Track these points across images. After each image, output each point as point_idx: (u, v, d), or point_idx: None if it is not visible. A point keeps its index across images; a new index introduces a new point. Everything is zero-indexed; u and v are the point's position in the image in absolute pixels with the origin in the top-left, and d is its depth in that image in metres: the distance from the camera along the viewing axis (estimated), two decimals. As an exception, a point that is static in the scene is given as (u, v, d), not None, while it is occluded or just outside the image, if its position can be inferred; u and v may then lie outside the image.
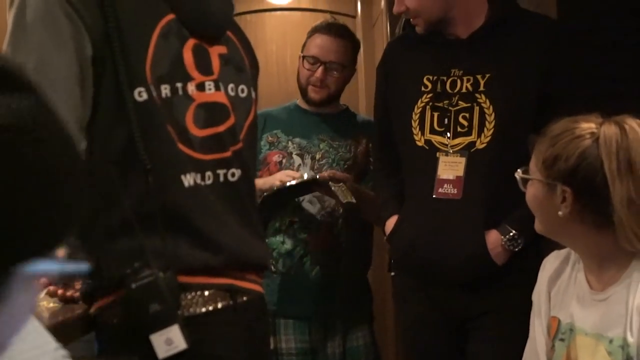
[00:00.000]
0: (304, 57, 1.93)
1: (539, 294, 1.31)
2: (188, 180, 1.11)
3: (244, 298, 1.17)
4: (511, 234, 1.49)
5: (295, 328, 1.88)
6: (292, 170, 1.88)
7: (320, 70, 1.89)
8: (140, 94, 1.08)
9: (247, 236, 1.19)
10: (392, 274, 1.78)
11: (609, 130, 1.10)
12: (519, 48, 1.54)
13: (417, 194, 1.60)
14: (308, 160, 1.92)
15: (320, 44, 1.91)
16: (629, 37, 1.64)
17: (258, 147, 1.87)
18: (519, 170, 1.23)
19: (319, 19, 2.16)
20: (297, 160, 1.92)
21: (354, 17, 3.54)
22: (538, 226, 1.24)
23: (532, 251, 1.51)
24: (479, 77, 1.53)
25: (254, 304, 1.21)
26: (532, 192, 1.21)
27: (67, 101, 1.04)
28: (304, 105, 2.00)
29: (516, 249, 1.50)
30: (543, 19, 1.61)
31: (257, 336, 1.23)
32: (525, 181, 1.22)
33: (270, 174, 1.88)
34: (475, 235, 1.51)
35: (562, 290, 1.27)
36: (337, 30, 1.94)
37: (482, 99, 1.52)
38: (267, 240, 1.82)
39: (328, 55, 1.90)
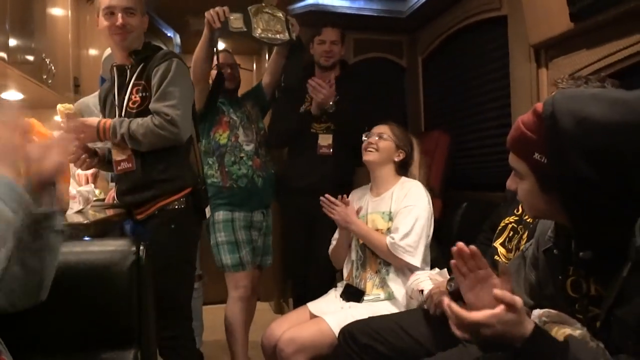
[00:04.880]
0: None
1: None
2: None
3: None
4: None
5: (226, 227, 2.78)
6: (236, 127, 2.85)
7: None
8: None
9: None
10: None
11: None
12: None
13: (304, 152, 2.86)
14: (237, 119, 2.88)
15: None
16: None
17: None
18: None
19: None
20: (237, 120, 2.85)
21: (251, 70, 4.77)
22: None
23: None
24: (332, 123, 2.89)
25: None
26: None
27: (190, 109, 2.06)
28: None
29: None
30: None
31: None
32: None
33: (223, 130, 2.80)
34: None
35: (360, 202, 2.50)
36: None
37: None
38: (227, 170, 2.76)
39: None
